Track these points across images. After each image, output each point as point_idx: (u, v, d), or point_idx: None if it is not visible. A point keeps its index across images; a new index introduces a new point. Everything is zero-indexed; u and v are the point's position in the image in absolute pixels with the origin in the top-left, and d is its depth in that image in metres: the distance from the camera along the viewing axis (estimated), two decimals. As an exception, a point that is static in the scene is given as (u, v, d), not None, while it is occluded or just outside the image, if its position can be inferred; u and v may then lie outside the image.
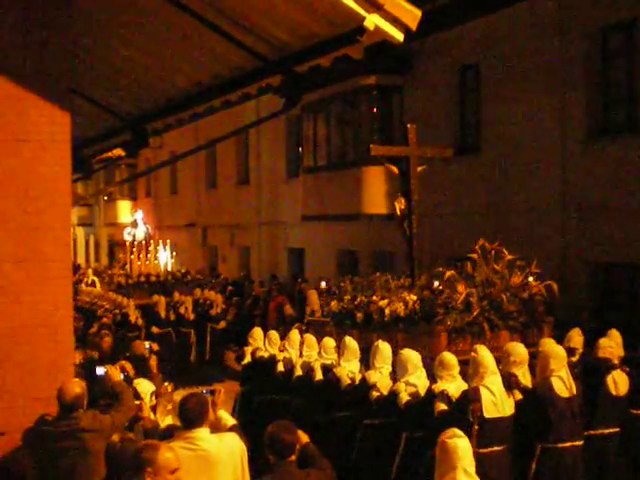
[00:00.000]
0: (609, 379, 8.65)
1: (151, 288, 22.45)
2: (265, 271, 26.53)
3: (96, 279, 26.88)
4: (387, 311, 10.59)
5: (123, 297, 20.14)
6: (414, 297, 10.57)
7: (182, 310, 18.95)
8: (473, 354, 7.99)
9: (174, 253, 25.31)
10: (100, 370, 7.74)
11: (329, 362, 10.09)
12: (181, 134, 21.42)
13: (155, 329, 18.33)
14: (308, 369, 10.32)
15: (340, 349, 9.94)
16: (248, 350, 11.85)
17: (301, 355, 10.87)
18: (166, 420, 7.66)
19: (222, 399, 6.44)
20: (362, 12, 6.39)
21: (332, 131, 21.39)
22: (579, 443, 7.90)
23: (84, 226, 46.84)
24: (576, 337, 10.03)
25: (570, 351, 9.52)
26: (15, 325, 6.63)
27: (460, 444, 5.17)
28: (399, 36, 6.58)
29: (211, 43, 8.19)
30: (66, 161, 6.87)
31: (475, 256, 11.05)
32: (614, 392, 8.64)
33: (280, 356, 11.16)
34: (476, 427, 7.44)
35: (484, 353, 7.90)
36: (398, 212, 11.93)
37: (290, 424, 5.66)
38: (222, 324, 18.84)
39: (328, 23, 6.90)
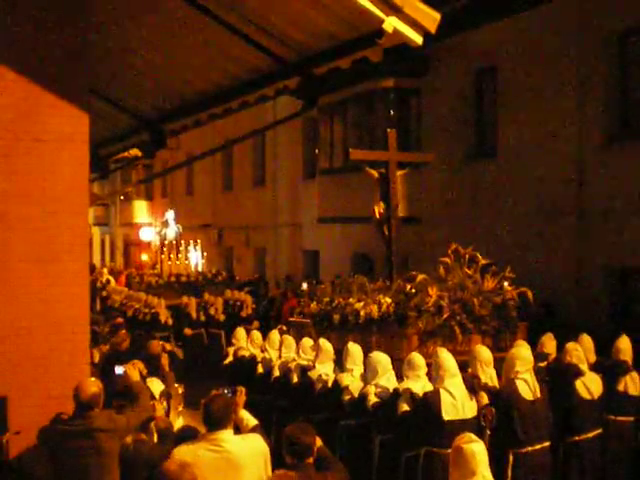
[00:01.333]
0: (578, 384, 8.70)
1: (181, 288, 22.19)
2: (280, 272, 26.54)
3: (111, 278, 26.95)
4: (362, 313, 10.73)
5: (153, 297, 19.89)
6: (389, 300, 10.65)
7: (212, 311, 18.77)
8: (434, 357, 8.10)
9: (205, 253, 25.04)
10: (119, 370, 7.74)
11: (306, 363, 10.17)
12: (198, 135, 21.41)
13: (188, 330, 18.20)
14: (286, 370, 10.43)
15: (315, 351, 10.07)
16: (231, 350, 12.10)
17: (280, 356, 11.02)
18: (177, 422, 7.67)
19: (244, 399, 6.47)
20: (381, 15, 6.40)
21: (348, 133, 21.37)
22: (547, 444, 7.96)
23: (100, 226, 47.00)
24: (549, 342, 10.01)
25: (542, 356, 9.62)
26: (32, 324, 6.67)
27: (477, 449, 5.14)
28: (418, 39, 6.59)
29: (229, 45, 8.21)
30: (84, 161, 6.91)
31: (448, 260, 11.12)
32: (588, 396, 8.68)
33: (260, 357, 11.34)
34: (488, 432, 7.45)
35: (444, 355, 8.00)
36: (377, 216, 12.25)
37: (308, 426, 5.67)
38: (255, 324, 18.58)
39: (347, 25, 6.90)
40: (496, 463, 7.23)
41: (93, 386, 6.34)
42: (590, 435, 8.59)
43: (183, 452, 5.64)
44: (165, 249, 24.43)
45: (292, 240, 26.72)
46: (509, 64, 17.34)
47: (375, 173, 12.54)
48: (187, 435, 6.16)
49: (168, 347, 12.93)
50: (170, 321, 18.15)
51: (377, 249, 21.11)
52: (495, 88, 18.03)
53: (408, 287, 10.70)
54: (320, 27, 7.13)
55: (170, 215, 28.42)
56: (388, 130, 12.75)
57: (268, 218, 28.17)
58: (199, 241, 25.27)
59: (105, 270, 28.93)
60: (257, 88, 8.82)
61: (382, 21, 6.42)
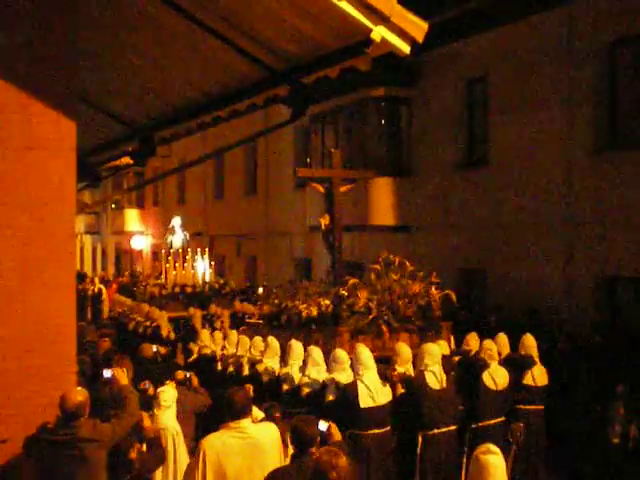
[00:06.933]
0: (485, 376, 9.83)
1: (186, 300, 21.26)
2: (271, 281, 26.52)
3: (103, 287, 26.78)
4: (303, 314, 12.02)
5: (155, 309, 19.01)
6: (327, 302, 11.91)
7: (217, 324, 18.06)
8: (354, 352, 9.31)
9: (212, 262, 23.95)
10: (107, 373, 7.70)
11: (257, 358, 11.26)
12: (190, 143, 21.40)
13: (194, 346, 17.54)
14: (238, 365, 11.58)
15: (264, 347, 11.30)
16: (195, 348, 13.37)
17: (236, 353, 12.13)
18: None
19: (251, 395, 7.21)
20: (369, 24, 6.40)
21: (340, 142, 21.41)
22: (453, 428, 9.13)
23: (91, 234, 46.94)
24: (472, 341, 11.20)
25: (461, 352, 11.07)
26: (18, 333, 6.63)
27: (492, 460, 5.11)
28: (405, 48, 6.59)
29: (219, 53, 8.21)
30: (71, 169, 6.87)
31: (378, 267, 12.18)
32: (493, 387, 9.82)
33: (219, 354, 12.47)
34: (514, 447, 7.83)
35: (361, 350, 9.17)
36: (323, 227, 13.53)
37: (312, 418, 6.22)
38: None
39: (335, 35, 6.91)
40: (408, 444, 9.02)
41: (79, 395, 6.31)
42: (493, 422, 9.65)
43: (212, 440, 6.23)
44: (170, 258, 22.91)
45: (283, 248, 26.71)
46: (499, 74, 17.42)
47: (321, 188, 13.78)
48: None
49: (163, 351, 13.02)
50: (172, 335, 17.45)
51: (369, 257, 21.16)
52: (486, 97, 18.11)
53: (341, 290, 11.83)
54: (309, 36, 7.13)
55: (177, 222, 26.63)
56: (332, 150, 14.29)
57: (259, 227, 28.17)
58: (207, 249, 24.40)
59: (97, 279, 28.75)
60: (247, 97, 8.82)
61: (370, 30, 6.42)
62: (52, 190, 6.73)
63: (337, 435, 6.36)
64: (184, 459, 8.35)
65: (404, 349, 9.81)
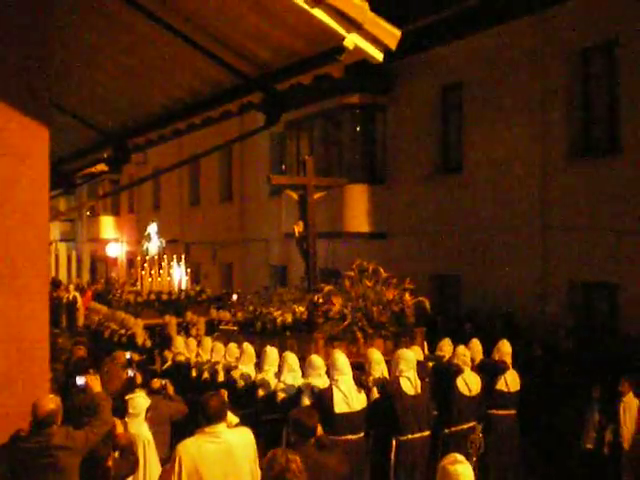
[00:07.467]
0: (459, 381, 10.00)
1: (162, 307, 20.78)
2: (248, 288, 26.46)
3: (77, 295, 26.60)
4: (278, 320, 12.10)
5: (130, 317, 18.88)
6: (302, 308, 12.00)
7: (193, 332, 17.94)
8: (330, 358, 9.45)
9: (188, 270, 23.82)
10: (80, 380, 7.66)
11: (233, 365, 11.36)
12: (165, 150, 21.31)
13: (168, 353, 17.35)
14: (213, 371, 11.64)
15: (240, 354, 11.40)
16: (169, 355, 13.34)
17: (211, 360, 12.26)
18: None
19: (225, 400, 7.11)
20: (342, 31, 6.42)
21: (315, 149, 21.45)
22: (427, 433, 9.25)
23: (66, 241, 46.67)
24: (446, 346, 11.40)
25: (435, 358, 11.17)
26: (-10, 340, 6.57)
27: (460, 470, 5.12)
28: (379, 56, 6.61)
29: (192, 60, 8.20)
30: (44, 176, 6.82)
31: (352, 274, 12.32)
32: (467, 393, 10.01)
33: (194, 361, 12.53)
34: (474, 459, 7.91)
35: (337, 356, 9.31)
36: (297, 234, 13.53)
37: (312, 410, 6.53)
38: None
39: (308, 42, 6.92)
40: (382, 450, 9.12)
41: (50, 403, 6.28)
42: (466, 427, 9.89)
43: (187, 446, 6.28)
44: (146, 264, 22.40)
45: (259, 255, 26.69)
46: (474, 80, 17.54)
47: (295, 195, 13.79)
48: None
49: (136, 357, 12.98)
50: (148, 343, 17.35)
51: (344, 264, 21.17)
52: (460, 104, 18.22)
53: (316, 297, 11.88)
54: (282, 43, 7.14)
55: (153, 228, 26.20)
56: (306, 157, 14.16)
57: (235, 233, 28.14)
58: (183, 256, 24.28)
59: (72, 287, 28.56)
60: (220, 104, 8.82)
61: (343, 38, 6.45)
62: (24, 197, 6.67)
63: (319, 429, 6.48)
64: (155, 467, 8.32)
65: (376, 355, 9.91)
